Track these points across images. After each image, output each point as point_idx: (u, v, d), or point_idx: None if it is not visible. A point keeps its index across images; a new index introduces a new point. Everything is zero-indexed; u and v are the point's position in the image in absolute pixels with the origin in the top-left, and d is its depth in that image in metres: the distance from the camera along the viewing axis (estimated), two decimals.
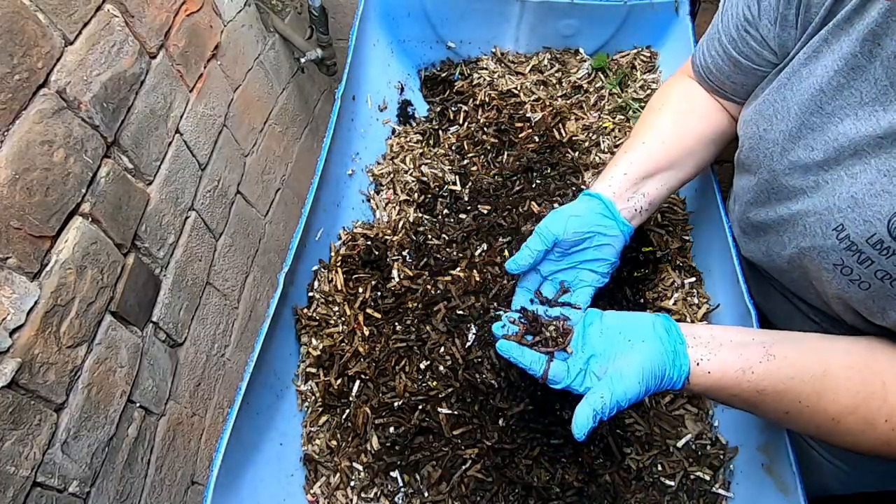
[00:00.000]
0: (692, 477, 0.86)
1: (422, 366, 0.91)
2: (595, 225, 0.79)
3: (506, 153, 1.18)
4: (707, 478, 0.86)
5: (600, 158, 1.16)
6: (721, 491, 0.85)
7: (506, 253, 1.00)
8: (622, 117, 1.21)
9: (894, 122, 0.58)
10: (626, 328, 0.68)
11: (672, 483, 0.85)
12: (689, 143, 0.84)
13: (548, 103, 1.24)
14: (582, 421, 0.62)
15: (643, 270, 1.01)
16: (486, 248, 1.03)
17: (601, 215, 0.79)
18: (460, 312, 0.93)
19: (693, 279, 1.02)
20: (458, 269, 1.00)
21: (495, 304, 0.92)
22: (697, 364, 0.64)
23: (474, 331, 0.91)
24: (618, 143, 1.18)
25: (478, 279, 0.97)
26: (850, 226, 0.61)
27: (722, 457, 0.87)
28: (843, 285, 0.65)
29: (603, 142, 1.17)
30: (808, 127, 0.66)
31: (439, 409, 0.88)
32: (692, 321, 0.99)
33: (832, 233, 0.63)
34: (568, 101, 1.25)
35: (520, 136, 1.19)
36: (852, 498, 1.06)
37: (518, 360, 0.68)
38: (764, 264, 0.81)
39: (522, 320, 0.72)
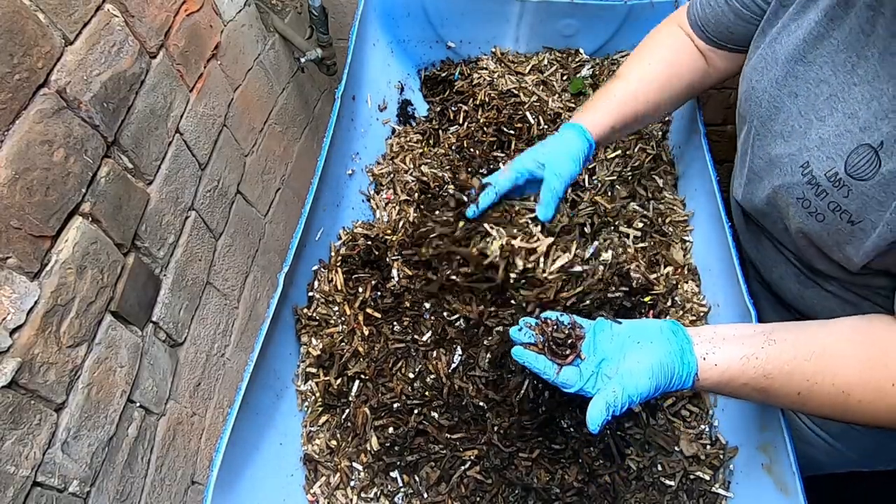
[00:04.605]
0: (692, 477, 0.86)
1: (411, 374, 0.91)
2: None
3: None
4: (707, 478, 0.86)
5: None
6: (721, 491, 0.85)
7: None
8: None
9: (867, 69, 0.63)
10: (634, 332, 0.70)
11: (672, 483, 0.85)
12: (666, 91, 0.93)
13: (548, 103, 1.23)
14: (596, 414, 0.64)
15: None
16: None
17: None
18: (446, 315, 0.92)
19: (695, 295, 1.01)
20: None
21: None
22: (704, 359, 0.66)
23: (459, 352, 0.90)
24: None
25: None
26: (814, 162, 0.66)
27: (722, 457, 0.87)
28: (802, 218, 0.69)
29: None
30: (793, 75, 0.70)
31: (433, 415, 0.88)
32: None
33: (798, 169, 0.68)
34: (567, 102, 1.24)
35: (520, 136, 1.19)
36: (844, 477, 1.06)
37: (532, 366, 0.71)
38: (748, 207, 0.84)
39: (538, 325, 0.73)
